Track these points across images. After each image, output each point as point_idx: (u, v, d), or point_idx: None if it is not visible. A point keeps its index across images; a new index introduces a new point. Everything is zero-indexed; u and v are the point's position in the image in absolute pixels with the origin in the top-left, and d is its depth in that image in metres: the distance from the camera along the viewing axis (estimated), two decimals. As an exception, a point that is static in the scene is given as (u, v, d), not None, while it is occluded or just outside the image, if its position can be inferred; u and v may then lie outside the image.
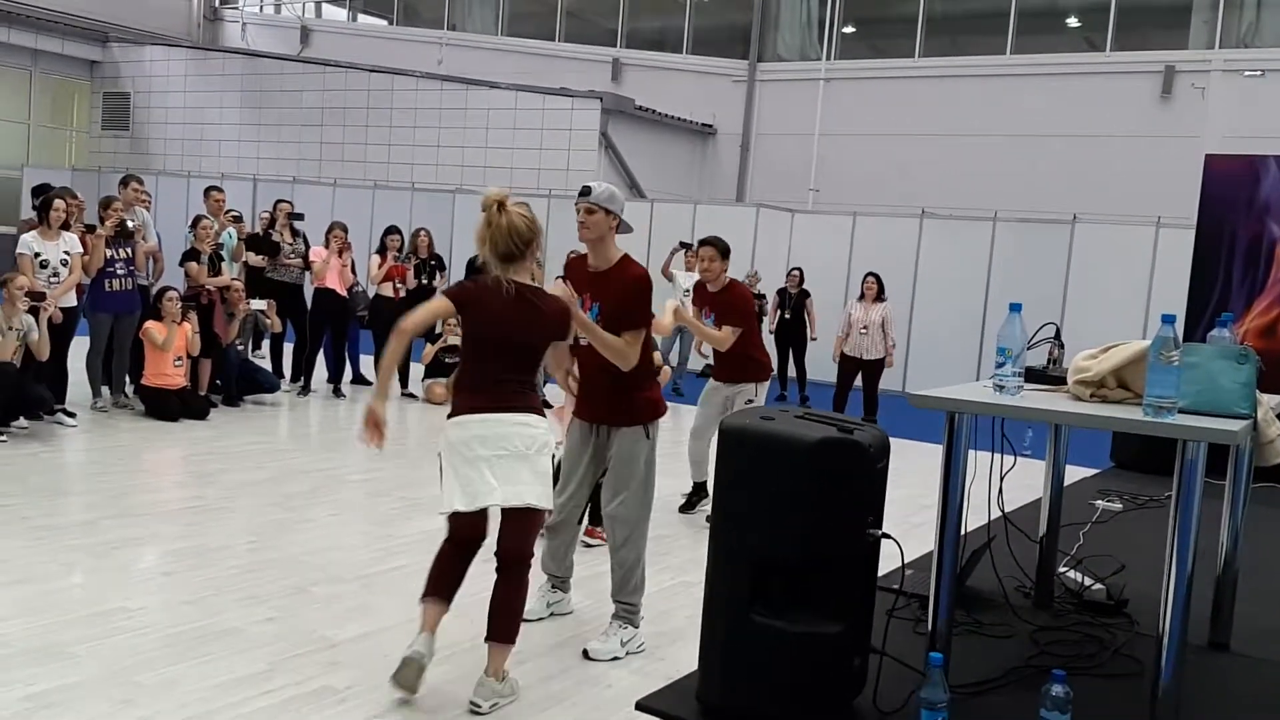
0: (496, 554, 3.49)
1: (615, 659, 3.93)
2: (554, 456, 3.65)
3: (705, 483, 6.42)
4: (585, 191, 3.95)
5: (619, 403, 4.03)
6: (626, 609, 4.06)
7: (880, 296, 10.28)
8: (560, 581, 4.39)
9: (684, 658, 3.88)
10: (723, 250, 6.21)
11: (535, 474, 3.42)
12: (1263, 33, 15.64)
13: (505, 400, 3.42)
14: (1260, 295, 8.46)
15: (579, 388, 4.20)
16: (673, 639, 4.21)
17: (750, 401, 6.22)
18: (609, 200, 3.93)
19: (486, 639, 3.46)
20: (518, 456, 3.38)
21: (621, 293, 3.90)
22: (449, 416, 3.47)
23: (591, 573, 4.83)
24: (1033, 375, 3.78)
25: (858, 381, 10.31)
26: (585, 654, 3.94)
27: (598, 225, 3.92)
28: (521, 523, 3.46)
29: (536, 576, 4.46)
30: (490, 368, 3.46)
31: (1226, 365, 3.32)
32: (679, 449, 6.74)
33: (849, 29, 18.81)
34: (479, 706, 3.37)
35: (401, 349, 3.39)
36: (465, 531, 3.52)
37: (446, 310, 3.54)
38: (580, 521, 4.41)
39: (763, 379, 6.34)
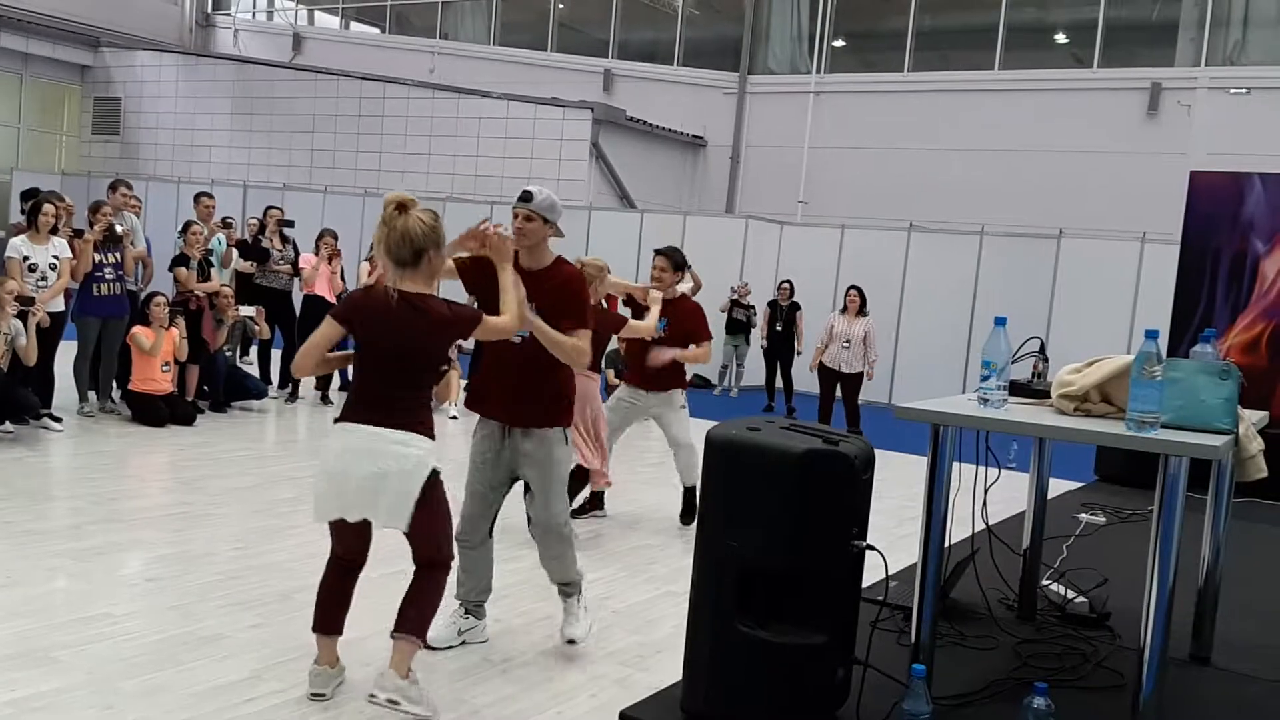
0: (414, 560, 3.47)
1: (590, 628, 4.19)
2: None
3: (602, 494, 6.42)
4: (526, 197, 3.91)
5: (541, 403, 3.96)
6: (572, 587, 4.16)
7: (862, 310, 10.30)
8: (475, 607, 4.13)
9: (668, 668, 3.89)
10: (676, 262, 6.22)
11: (397, 495, 3.27)
12: (1249, 51, 15.79)
13: (390, 416, 3.31)
14: (1244, 311, 8.53)
15: (489, 385, 4.04)
16: (657, 649, 4.22)
17: (683, 406, 6.30)
18: (549, 210, 3.92)
19: (392, 632, 3.34)
20: (381, 475, 3.25)
21: (558, 290, 3.91)
22: (335, 420, 3.42)
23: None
24: (1017, 389, 3.81)
25: (839, 393, 10.34)
26: (571, 642, 4.07)
27: (535, 232, 3.92)
28: (419, 531, 3.36)
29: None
30: (378, 380, 3.36)
31: (1209, 380, 3.35)
32: (668, 457, 6.74)
33: (839, 43, 18.92)
34: (375, 696, 3.22)
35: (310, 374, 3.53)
36: (340, 546, 3.52)
37: (335, 334, 3.39)
38: (491, 535, 4.14)
39: (684, 385, 6.35)
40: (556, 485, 4.00)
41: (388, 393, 3.35)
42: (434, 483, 3.36)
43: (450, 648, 4.03)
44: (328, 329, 3.40)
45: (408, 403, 3.37)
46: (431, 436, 3.39)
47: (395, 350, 3.33)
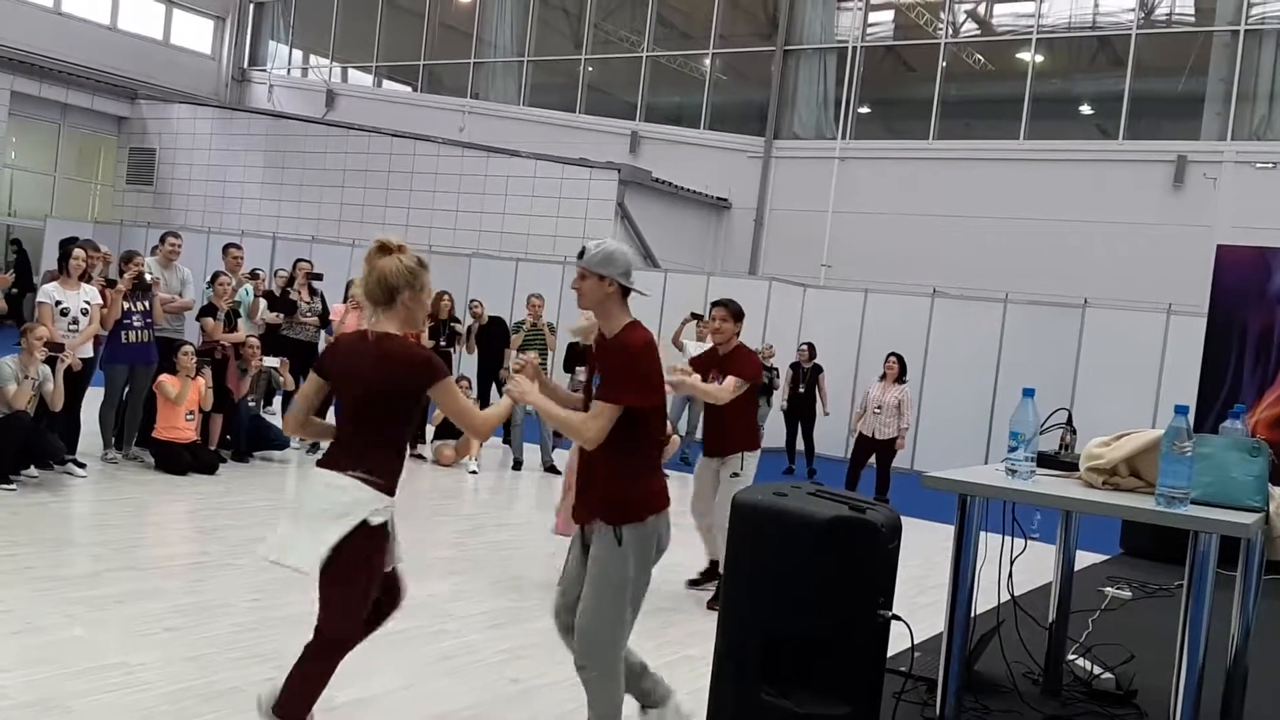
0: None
1: None
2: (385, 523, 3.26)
3: (716, 562, 6.12)
4: (581, 253, 3.43)
5: (595, 494, 3.42)
6: None
7: (901, 378, 10.25)
8: (647, 702, 3.61)
9: (687, 734, 3.83)
10: (735, 312, 6.08)
11: (310, 536, 3.15)
12: (1274, 125, 15.84)
13: (337, 457, 3.26)
14: (1271, 386, 8.46)
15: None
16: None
17: (735, 475, 5.90)
18: (602, 264, 3.37)
19: (272, 710, 3.26)
20: (308, 514, 3.20)
21: (609, 361, 3.41)
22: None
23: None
24: (1044, 460, 3.78)
25: (871, 460, 10.26)
26: None
27: (589, 292, 3.39)
28: (324, 590, 3.21)
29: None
30: (343, 422, 3.33)
31: (1239, 457, 3.32)
32: (688, 517, 6.70)
33: (864, 109, 19.10)
34: None
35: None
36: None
37: (316, 386, 3.39)
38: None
39: (750, 448, 6.03)
40: (591, 592, 3.37)
41: (349, 434, 3.30)
42: (359, 539, 3.16)
43: None
44: (310, 382, 3.40)
45: (364, 446, 3.25)
46: (382, 488, 3.23)
47: (357, 389, 3.27)
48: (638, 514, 3.32)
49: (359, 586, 3.20)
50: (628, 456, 3.34)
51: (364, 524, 3.15)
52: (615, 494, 3.35)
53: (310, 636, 3.27)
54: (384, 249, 3.29)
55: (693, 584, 6.32)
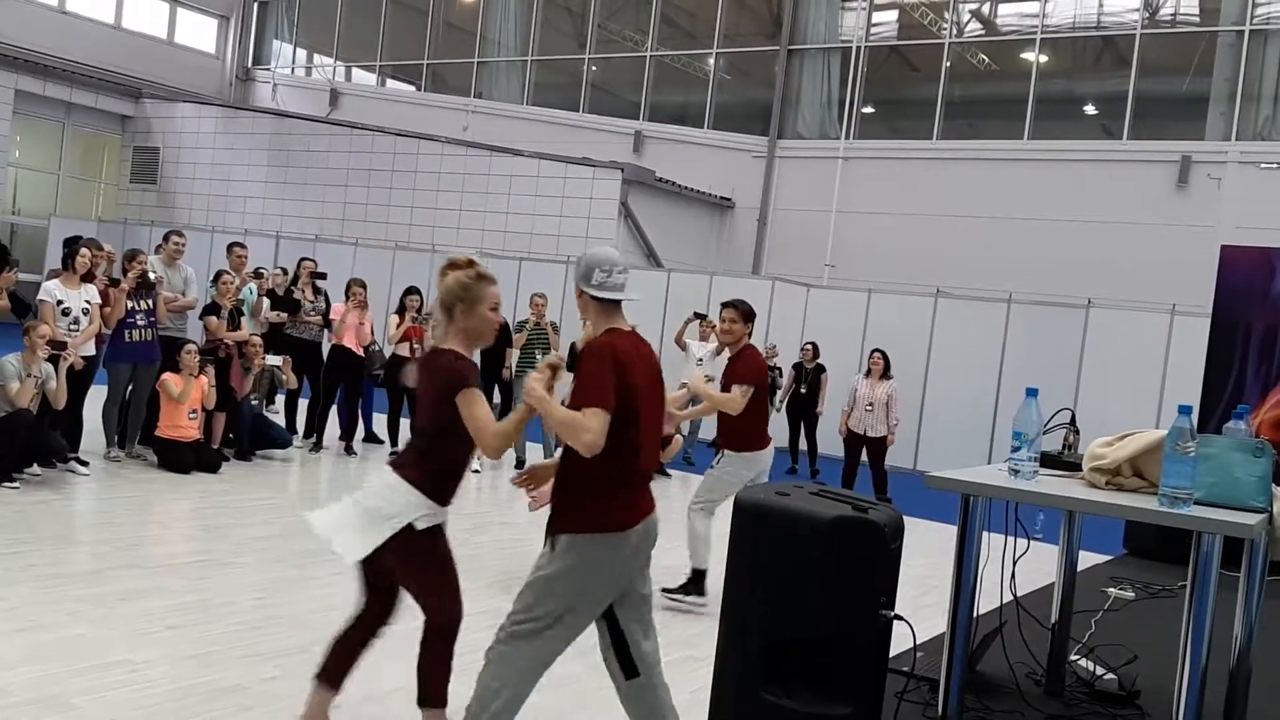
0: None
1: None
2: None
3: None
4: None
5: (556, 503, 3.24)
6: None
7: (886, 373, 10.26)
8: None
9: (689, 734, 3.82)
10: (746, 313, 6.06)
11: (359, 522, 3.26)
12: (1279, 126, 15.81)
13: (400, 461, 3.40)
14: (1275, 387, 8.44)
15: None
16: (679, 714, 4.15)
17: (711, 468, 6.00)
18: (579, 277, 3.27)
19: (418, 704, 3.39)
20: (365, 507, 3.30)
21: None
22: None
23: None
24: (1047, 460, 3.78)
25: (864, 457, 10.27)
26: None
27: (580, 307, 3.31)
28: (410, 590, 3.38)
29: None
30: (412, 431, 3.52)
31: (1243, 458, 3.32)
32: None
33: (868, 109, 19.09)
34: None
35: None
36: (366, 592, 3.47)
37: None
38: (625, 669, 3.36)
39: (732, 447, 5.93)
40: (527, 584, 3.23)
41: (413, 443, 3.44)
42: (417, 538, 3.27)
43: None
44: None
45: (412, 451, 3.40)
46: (432, 496, 3.31)
47: (418, 403, 3.42)
48: (580, 526, 3.13)
49: (439, 573, 3.36)
50: (581, 466, 3.10)
51: (410, 527, 3.27)
52: (557, 502, 3.21)
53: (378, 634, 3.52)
54: (451, 266, 3.40)
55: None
